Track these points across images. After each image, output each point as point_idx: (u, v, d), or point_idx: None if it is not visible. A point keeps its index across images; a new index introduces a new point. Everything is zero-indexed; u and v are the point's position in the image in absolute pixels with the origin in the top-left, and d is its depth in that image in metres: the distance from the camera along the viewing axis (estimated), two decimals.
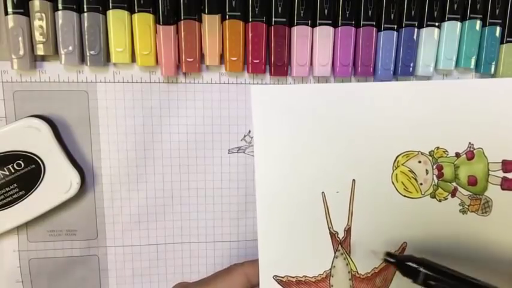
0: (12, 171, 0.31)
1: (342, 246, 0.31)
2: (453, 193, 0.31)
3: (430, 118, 0.30)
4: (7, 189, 0.31)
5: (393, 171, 0.31)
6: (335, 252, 0.31)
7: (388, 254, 0.27)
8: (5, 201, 0.31)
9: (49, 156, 0.31)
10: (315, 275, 0.31)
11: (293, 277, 0.31)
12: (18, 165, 0.31)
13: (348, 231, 0.31)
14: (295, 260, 0.31)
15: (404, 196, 0.31)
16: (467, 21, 0.34)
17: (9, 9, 0.30)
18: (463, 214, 0.31)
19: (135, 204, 0.36)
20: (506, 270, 0.31)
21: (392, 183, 0.31)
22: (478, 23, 0.34)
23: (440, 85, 0.30)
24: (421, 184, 0.31)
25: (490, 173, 0.31)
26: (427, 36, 0.34)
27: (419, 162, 0.31)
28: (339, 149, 0.30)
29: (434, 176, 0.31)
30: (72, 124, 0.33)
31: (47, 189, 0.32)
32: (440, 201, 0.31)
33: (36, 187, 0.32)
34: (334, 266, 0.31)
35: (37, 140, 0.31)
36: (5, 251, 0.34)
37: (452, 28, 0.34)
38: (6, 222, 0.32)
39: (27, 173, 0.31)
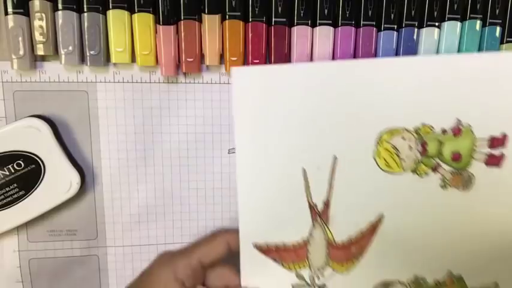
0: (12, 171, 0.31)
1: (320, 217, 0.32)
2: (435, 169, 0.31)
3: (416, 94, 0.30)
4: (7, 189, 0.31)
5: (376, 148, 0.31)
6: (313, 222, 0.32)
7: None
8: (5, 201, 0.31)
9: (49, 156, 0.31)
10: (293, 243, 0.32)
11: (272, 244, 0.32)
12: (18, 165, 0.31)
13: (326, 203, 0.32)
14: (274, 229, 0.32)
15: (385, 171, 0.31)
16: (467, 21, 0.34)
17: (9, 9, 0.30)
18: (443, 189, 0.31)
19: (135, 204, 0.36)
20: (486, 247, 0.32)
21: (374, 159, 0.31)
22: (478, 23, 0.34)
23: (428, 61, 0.30)
24: (403, 160, 0.31)
25: (476, 149, 0.31)
26: (427, 36, 0.34)
27: (403, 139, 0.31)
28: (320, 127, 0.30)
29: (418, 152, 0.31)
30: (72, 124, 0.33)
31: (47, 189, 0.32)
32: (421, 176, 0.31)
33: (36, 187, 0.32)
34: (312, 235, 0.32)
35: (37, 140, 0.31)
36: (5, 251, 0.35)
37: (452, 28, 0.34)
38: (6, 222, 0.32)
39: (27, 173, 0.31)
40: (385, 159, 0.31)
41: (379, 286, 0.33)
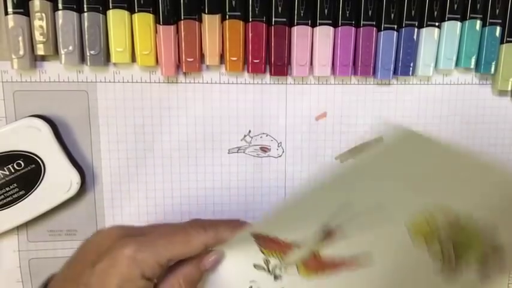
0: (12, 171, 0.31)
1: (326, 238, 0.32)
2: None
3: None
4: (7, 189, 0.31)
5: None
6: (316, 237, 0.32)
7: None
8: (5, 201, 0.31)
9: (49, 156, 0.31)
10: (286, 240, 0.32)
11: (266, 234, 0.32)
12: (18, 165, 0.31)
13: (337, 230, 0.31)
14: (282, 227, 0.32)
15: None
16: (467, 21, 0.34)
17: (9, 9, 0.30)
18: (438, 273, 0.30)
19: (135, 204, 0.36)
20: None
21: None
22: (478, 22, 0.34)
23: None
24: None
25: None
26: (427, 36, 0.34)
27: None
28: None
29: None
30: (72, 124, 0.33)
31: (47, 189, 0.32)
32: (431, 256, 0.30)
33: (36, 187, 0.32)
34: (307, 244, 0.32)
35: (37, 140, 0.31)
36: (5, 251, 0.34)
37: (452, 28, 0.34)
38: (6, 222, 0.32)
39: (27, 172, 0.31)
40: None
41: None
